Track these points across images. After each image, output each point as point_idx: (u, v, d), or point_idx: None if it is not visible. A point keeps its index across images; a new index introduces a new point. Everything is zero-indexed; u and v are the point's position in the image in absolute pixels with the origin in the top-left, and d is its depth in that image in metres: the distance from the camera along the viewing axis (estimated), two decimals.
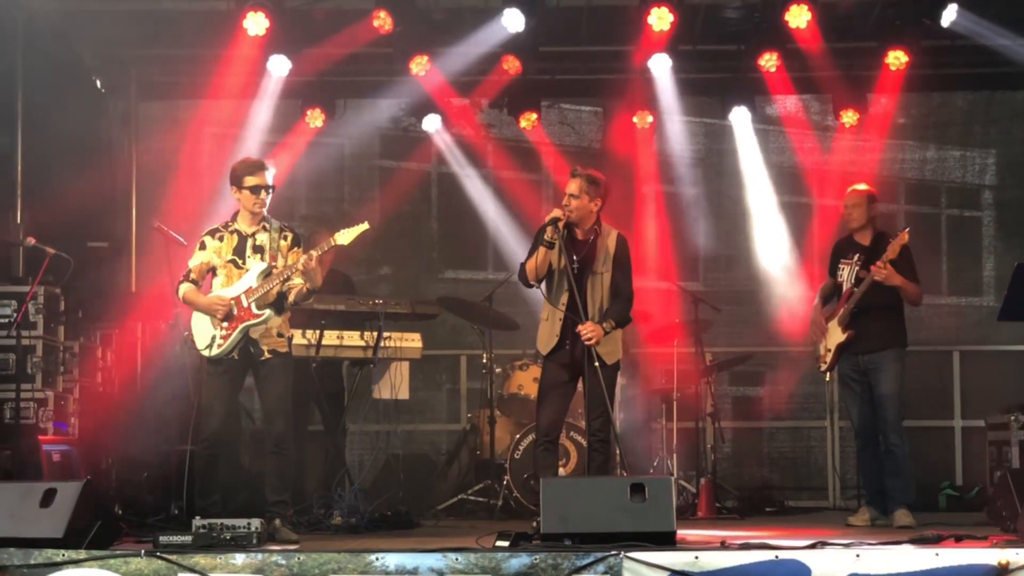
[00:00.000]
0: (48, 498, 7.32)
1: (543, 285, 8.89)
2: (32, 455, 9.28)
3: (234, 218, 8.88)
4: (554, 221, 8.63)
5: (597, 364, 8.51)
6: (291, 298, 8.78)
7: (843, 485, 13.31)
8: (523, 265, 8.84)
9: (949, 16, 11.49)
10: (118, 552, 6.99)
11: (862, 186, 10.22)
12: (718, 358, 12.53)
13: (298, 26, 12.12)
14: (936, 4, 11.51)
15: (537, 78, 13.31)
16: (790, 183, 16.13)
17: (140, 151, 13.77)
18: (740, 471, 14.72)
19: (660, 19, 11.52)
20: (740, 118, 13.64)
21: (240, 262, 8.76)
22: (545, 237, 8.65)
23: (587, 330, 8.54)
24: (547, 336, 8.84)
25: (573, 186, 8.75)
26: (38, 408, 9.80)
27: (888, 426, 9.69)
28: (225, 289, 8.72)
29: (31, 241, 10.02)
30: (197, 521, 7.48)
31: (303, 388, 10.59)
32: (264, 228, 8.83)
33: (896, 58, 12.22)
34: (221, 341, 8.65)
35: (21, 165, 11.35)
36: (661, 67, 12.44)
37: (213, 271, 8.81)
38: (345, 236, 8.76)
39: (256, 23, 11.47)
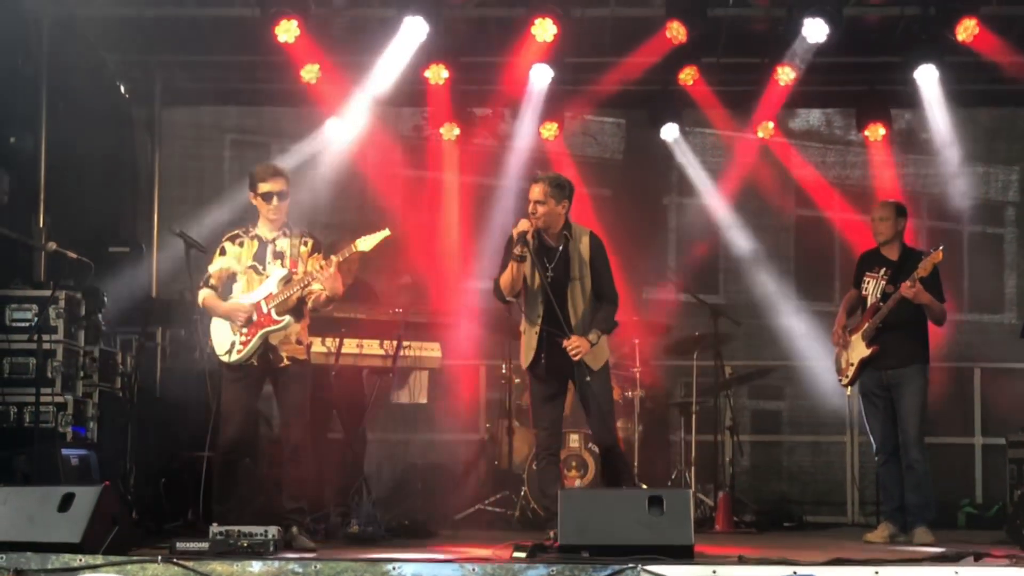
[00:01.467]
0: (66, 503, 7.32)
1: (520, 299, 8.74)
2: (50, 460, 9.29)
3: (255, 223, 8.86)
4: (522, 235, 8.43)
5: (588, 378, 8.41)
6: (310, 304, 8.77)
7: (862, 500, 13.25)
8: (496, 281, 8.68)
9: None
10: (135, 558, 6.98)
11: (891, 199, 10.17)
12: (737, 371, 12.49)
13: (324, 34, 12.14)
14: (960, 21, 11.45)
15: (561, 88, 13.29)
16: (811, 197, 16.08)
17: (163, 156, 13.81)
18: (758, 485, 14.68)
19: (676, 32, 11.53)
20: (762, 131, 13.61)
21: (260, 268, 8.74)
22: (515, 252, 8.45)
23: (572, 345, 8.40)
24: (526, 350, 8.69)
25: (537, 192, 8.53)
26: (57, 412, 9.81)
27: (910, 442, 9.64)
28: (245, 295, 8.70)
29: (53, 246, 10.03)
30: (214, 528, 7.48)
31: (322, 396, 10.59)
32: (285, 234, 8.81)
33: (927, 73, 12.17)
34: (240, 347, 8.62)
35: (44, 170, 11.39)
36: (686, 79, 12.41)
37: (233, 276, 8.80)
38: (366, 243, 8.69)
39: (287, 31, 11.47)
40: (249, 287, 8.72)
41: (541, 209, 8.51)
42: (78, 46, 12.25)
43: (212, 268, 8.81)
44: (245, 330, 8.61)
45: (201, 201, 13.01)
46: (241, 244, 8.79)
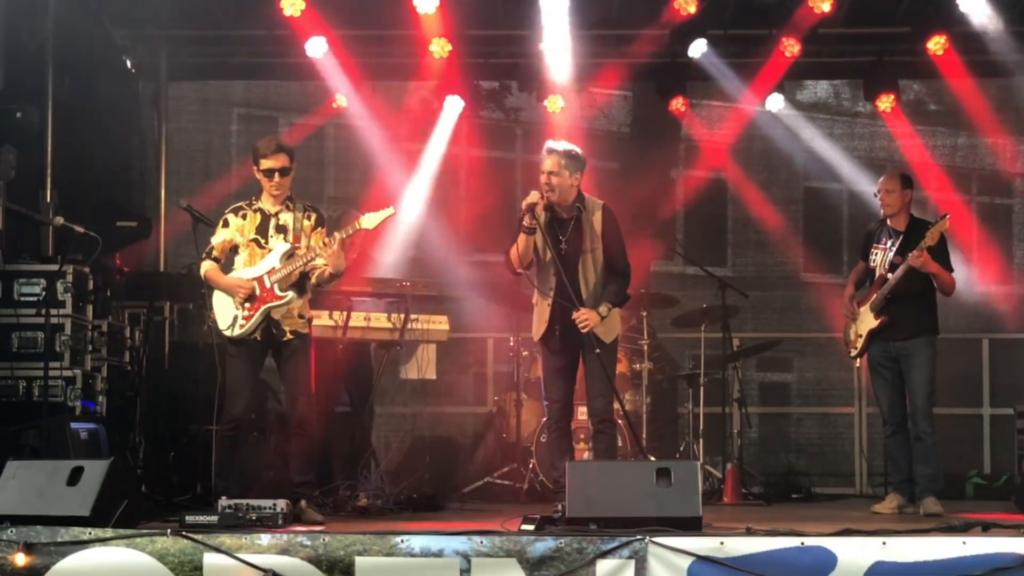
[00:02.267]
0: (75, 477, 7.35)
1: (532, 271, 8.71)
2: (60, 434, 9.30)
3: (258, 196, 8.83)
4: (531, 207, 8.40)
5: (598, 351, 8.37)
6: (313, 280, 8.77)
7: (870, 472, 13.26)
8: (507, 252, 8.64)
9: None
10: (144, 531, 7.01)
11: (897, 171, 10.14)
12: (745, 343, 12.49)
13: (330, 8, 12.11)
14: None
15: (569, 60, 13.22)
16: (821, 169, 16.06)
17: (170, 131, 13.80)
18: (766, 457, 14.73)
19: (686, 3, 11.48)
20: (773, 103, 13.57)
21: (262, 241, 8.72)
22: (524, 223, 8.43)
23: (581, 317, 8.38)
24: (538, 322, 8.68)
25: (551, 163, 8.47)
26: (66, 387, 9.81)
27: (918, 413, 9.63)
28: (247, 269, 8.69)
29: (60, 221, 10.03)
30: (223, 501, 7.50)
31: (330, 370, 10.61)
32: (288, 208, 8.79)
33: (937, 43, 12.12)
34: (243, 322, 8.61)
35: (51, 144, 11.37)
36: (695, 52, 12.37)
37: (235, 249, 8.79)
38: (370, 220, 8.69)
39: (293, 4, 11.45)
40: (251, 260, 8.71)
41: (555, 180, 8.46)
42: (84, 21, 12.21)
43: (215, 240, 8.80)
44: (248, 305, 8.60)
45: (208, 175, 13.04)
46: (244, 216, 8.77)
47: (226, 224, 8.79)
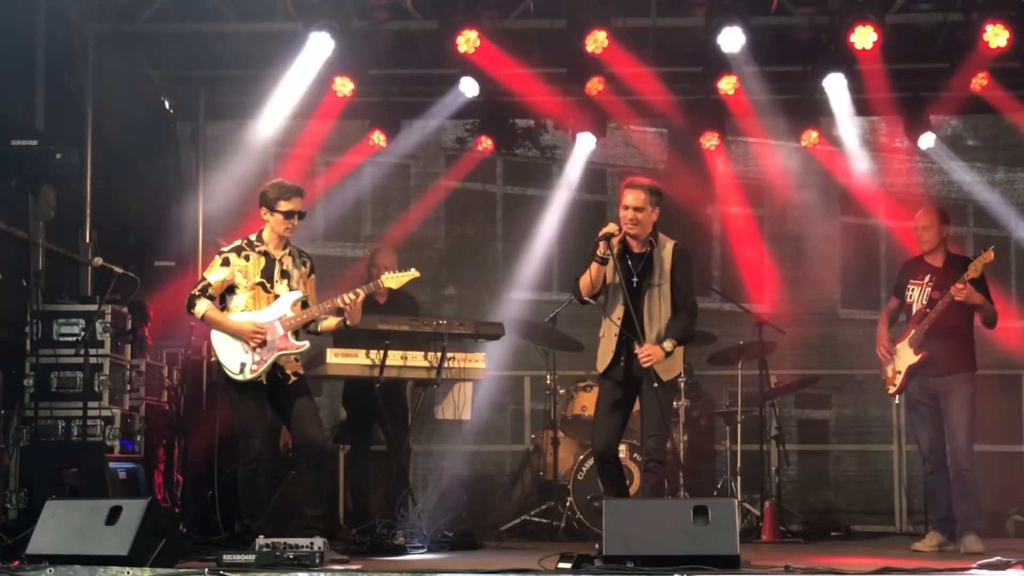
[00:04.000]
0: (114, 516, 7.37)
1: (601, 300, 8.76)
2: (98, 473, 9.35)
3: (260, 238, 8.81)
4: (607, 237, 8.48)
5: (656, 384, 8.40)
6: (320, 328, 8.83)
7: (910, 510, 13.17)
8: (577, 280, 8.71)
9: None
10: (182, 570, 7.03)
11: (933, 207, 10.11)
12: (782, 380, 12.45)
13: (365, 46, 12.17)
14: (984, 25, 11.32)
15: (604, 98, 13.26)
16: (857, 204, 16.03)
17: (207, 170, 13.88)
18: (805, 495, 14.64)
19: (731, 40, 11.43)
20: (805, 139, 13.55)
21: (268, 286, 8.71)
22: (598, 253, 8.50)
23: (644, 352, 8.41)
24: (603, 353, 8.70)
25: (635, 198, 8.56)
26: (104, 426, 9.86)
27: (959, 450, 9.57)
28: (255, 313, 8.66)
29: (99, 261, 10.11)
30: (260, 540, 7.51)
31: (367, 408, 10.63)
32: (289, 253, 8.84)
33: (979, 81, 12.06)
34: (255, 367, 8.58)
35: (90, 185, 11.46)
36: (732, 87, 12.34)
37: (230, 289, 8.74)
38: (393, 280, 8.97)
39: (321, 44, 11.50)
40: (256, 304, 8.69)
41: (640, 216, 8.56)
42: (123, 62, 12.32)
43: (212, 277, 8.71)
44: (260, 350, 8.59)
45: (245, 215, 13.04)
46: (247, 258, 8.74)
47: (226, 263, 8.73)
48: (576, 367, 12.31)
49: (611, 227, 8.55)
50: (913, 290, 9.86)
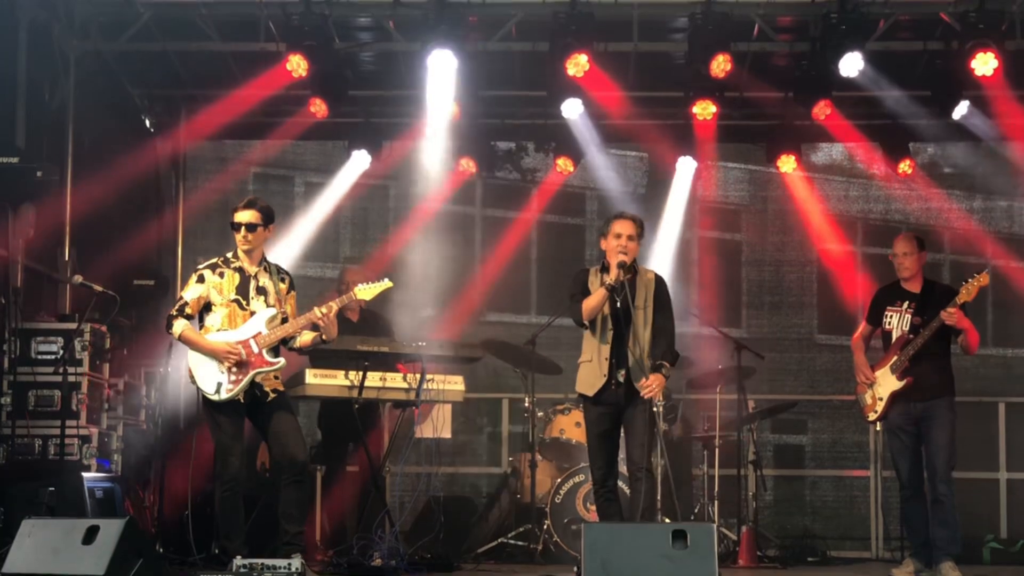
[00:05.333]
0: (91, 535, 7.35)
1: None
2: (75, 492, 9.31)
3: (235, 255, 8.79)
4: (625, 265, 8.70)
5: (642, 405, 8.60)
6: (296, 344, 8.77)
7: (887, 536, 13.17)
8: (576, 303, 8.83)
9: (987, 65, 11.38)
10: None
11: (912, 234, 10.14)
12: (760, 405, 12.46)
13: (345, 68, 12.19)
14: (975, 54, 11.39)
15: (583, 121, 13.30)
16: (835, 230, 16.08)
17: (187, 190, 13.88)
18: (782, 519, 14.63)
19: (719, 66, 11.47)
20: (785, 165, 13.62)
21: (244, 303, 8.68)
22: (613, 282, 8.67)
23: (648, 384, 8.59)
24: (593, 378, 8.79)
25: (629, 227, 8.85)
26: (82, 445, 9.85)
27: (937, 475, 9.57)
28: (229, 331, 8.61)
29: (78, 279, 10.09)
30: (237, 560, 7.50)
31: (344, 428, 10.62)
32: (265, 269, 8.82)
33: (959, 109, 12.11)
34: (231, 386, 8.52)
35: (70, 203, 11.45)
36: (710, 113, 12.37)
37: (207, 306, 8.71)
38: (366, 292, 8.93)
39: (296, 65, 11.51)
40: (231, 322, 8.65)
41: (631, 245, 8.82)
42: (104, 80, 12.34)
43: (188, 295, 8.67)
44: (235, 370, 8.54)
45: (225, 234, 13.05)
46: (221, 275, 8.70)
47: (201, 279, 8.69)
48: (554, 390, 12.30)
49: (622, 257, 8.73)
50: (892, 316, 9.86)
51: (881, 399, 9.80)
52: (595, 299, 8.76)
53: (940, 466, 9.55)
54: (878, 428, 10.25)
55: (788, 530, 14.02)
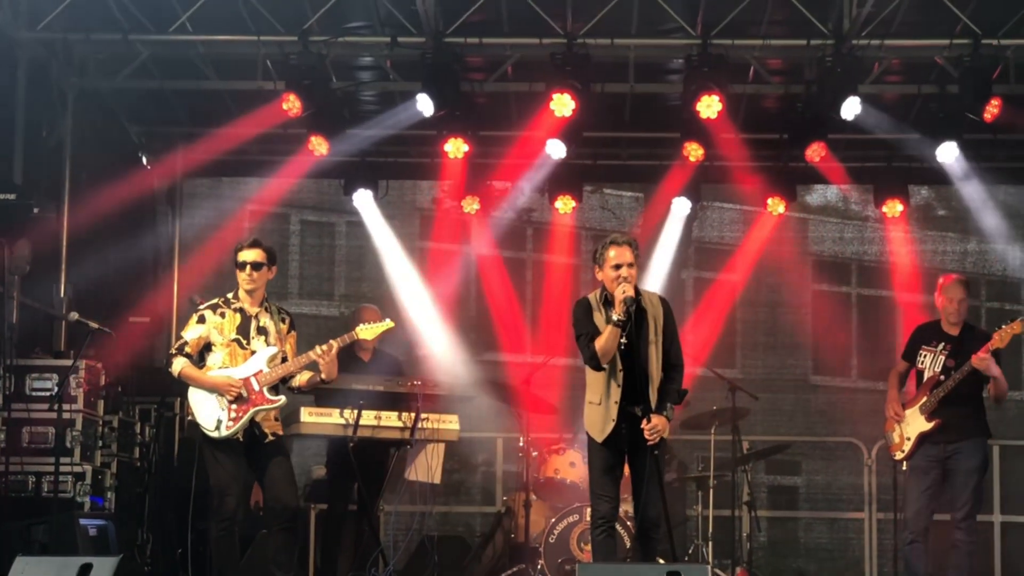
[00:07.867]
0: (84, 573, 7.32)
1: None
2: (69, 529, 9.29)
3: (236, 296, 8.84)
4: (628, 300, 8.06)
5: (655, 452, 8.10)
6: (296, 383, 8.80)
7: None
8: (588, 346, 8.24)
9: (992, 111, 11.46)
10: None
11: (963, 279, 9.98)
12: (755, 446, 12.46)
13: (343, 107, 12.23)
14: (978, 99, 11.43)
15: (579, 163, 13.35)
16: (829, 273, 16.12)
17: (183, 227, 13.89)
18: (776, 561, 14.61)
19: (709, 107, 11.46)
20: (779, 207, 13.65)
21: (244, 342, 8.72)
22: (620, 317, 8.04)
23: (652, 427, 8.08)
24: (602, 421, 8.30)
25: (629, 254, 8.21)
26: (76, 482, 9.83)
27: (961, 518, 9.49)
28: (231, 369, 8.65)
29: (74, 316, 10.08)
30: None
31: (340, 468, 10.60)
32: (266, 309, 8.85)
33: (948, 151, 12.12)
34: (231, 423, 8.56)
35: (66, 239, 11.46)
36: (698, 154, 12.39)
37: (208, 347, 8.74)
38: (367, 332, 8.99)
39: (290, 104, 11.54)
40: (232, 361, 8.69)
41: (632, 272, 8.20)
42: (101, 117, 12.38)
43: (188, 335, 8.73)
44: (235, 406, 8.57)
45: (221, 271, 13.06)
46: (222, 315, 8.76)
47: (202, 320, 8.75)
48: (549, 429, 12.27)
49: (628, 289, 8.10)
50: (925, 356, 9.76)
51: (909, 439, 9.71)
52: (607, 341, 8.12)
53: (963, 509, 9.47)
54: (904, 467, 10.05)
55: (782, 572, 14.02)
